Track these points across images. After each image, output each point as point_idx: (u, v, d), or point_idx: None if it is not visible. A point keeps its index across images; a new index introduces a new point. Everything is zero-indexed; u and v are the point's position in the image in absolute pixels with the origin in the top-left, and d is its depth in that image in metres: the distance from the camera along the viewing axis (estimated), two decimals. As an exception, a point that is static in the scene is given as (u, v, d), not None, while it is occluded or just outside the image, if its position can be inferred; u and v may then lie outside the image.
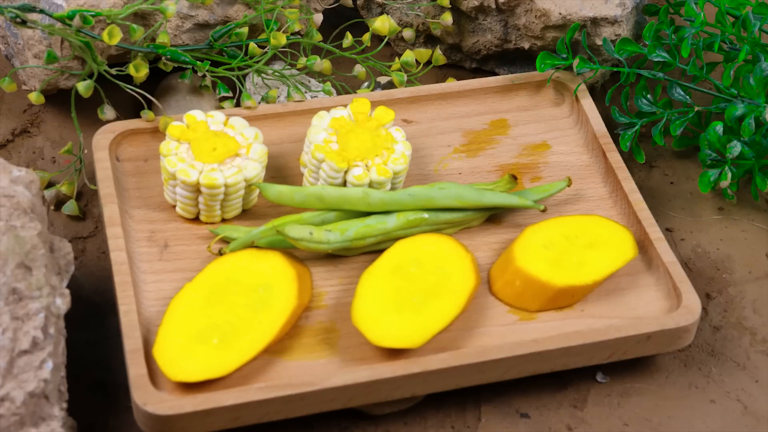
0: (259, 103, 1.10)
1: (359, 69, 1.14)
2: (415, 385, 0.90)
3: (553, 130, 1.10)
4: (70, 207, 1.06)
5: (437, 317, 0.92)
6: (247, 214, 1.02)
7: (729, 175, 1.06)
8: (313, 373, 0.90)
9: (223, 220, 1.01)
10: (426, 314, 0.92)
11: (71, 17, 1.01)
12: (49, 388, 0.83)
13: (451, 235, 1.00)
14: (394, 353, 0.91)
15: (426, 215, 0.99)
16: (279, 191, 0.99)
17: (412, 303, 0.93)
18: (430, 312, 0.92)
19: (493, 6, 1.15)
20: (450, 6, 1.15)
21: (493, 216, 1.03)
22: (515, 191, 1.02)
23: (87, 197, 1.08)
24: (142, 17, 1.08)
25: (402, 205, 0.99)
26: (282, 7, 1.10)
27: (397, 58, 1.15)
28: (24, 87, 1.10)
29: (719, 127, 1.05)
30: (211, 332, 0.90)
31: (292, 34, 1.13)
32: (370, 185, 1.00)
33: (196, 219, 1.00)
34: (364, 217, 0.98)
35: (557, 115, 1.12)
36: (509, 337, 0.94)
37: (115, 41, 1.01)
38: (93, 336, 0.97)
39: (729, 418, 0.95)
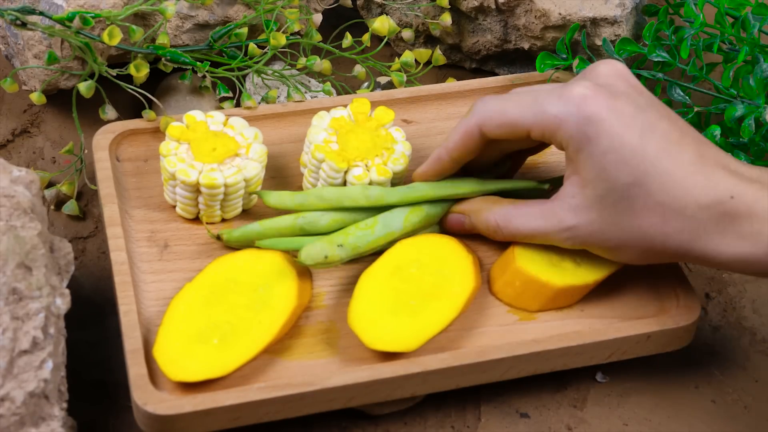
0: (259, 103, 1.10)
1: (359, 69, 1.14)
2: (415, 385, 0.90)
3: (553, 131, 1.10)
4: (70, 207, 1.06)
5: (434, 321, 0.91)
6: (247, 214, 1.02)
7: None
8: (313, 373, 0.90)
9: (224, 220, 1.01)
10: (422, 317, 0.91)
11: (71, 18, 1.01)
12: (49, 388, 0.83)
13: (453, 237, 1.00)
14: (393, 354, 0.91)
15: (425, 207, 0.98)
16: (278, 196, 0.98)
17: (410, 305, 0.92)
18: (427, 315, 0.92)
19: (493, 6, 1.15)
20: (449, 6, 1.15)
21: (493, 216, 1.03)
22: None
23: (87, 197, 1.08)
24: (141, 18, 1.08)
25: (402, 196, 0.97)
26: (282, 7, 1.10)
27: (396, 59, 1.15)
28: (24, 87, 1.10)
29: (717, 132, 1.05)
30: (211, 332, 0.90)
31: (291, 34, 1.13)
32: (370, 185, 0.99)
33: (196, 219, 1.00)
34: (372, 227, 0.96)
35: (557, 115, 1.12)
36: (509, 337, 0.94)
37: (115, 42, 1.01)
38: (93, 336, 0.97)
39: (729, 418, 0.95)
